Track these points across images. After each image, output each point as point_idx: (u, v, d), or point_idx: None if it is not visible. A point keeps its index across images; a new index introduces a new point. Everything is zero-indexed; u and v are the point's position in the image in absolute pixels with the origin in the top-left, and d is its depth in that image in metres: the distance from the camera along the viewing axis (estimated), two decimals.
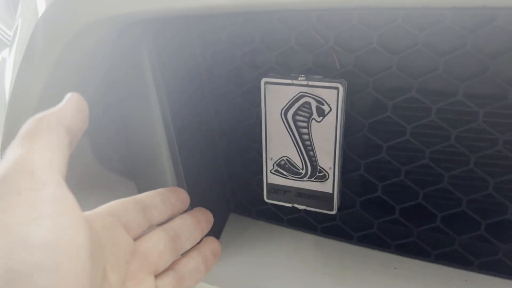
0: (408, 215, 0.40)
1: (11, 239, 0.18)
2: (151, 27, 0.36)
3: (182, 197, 0.35)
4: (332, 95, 0.35)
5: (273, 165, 0.40)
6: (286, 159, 0.39)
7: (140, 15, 0.33)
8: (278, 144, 0.39)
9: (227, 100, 0.44)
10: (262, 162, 0.40)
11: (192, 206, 0.42)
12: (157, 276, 0.30)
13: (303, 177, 0.39)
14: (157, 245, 0.30)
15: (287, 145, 0.39)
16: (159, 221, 0.32)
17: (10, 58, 0.45)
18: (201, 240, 0.35)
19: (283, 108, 0.37)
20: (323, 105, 0.35)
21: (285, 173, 0.40)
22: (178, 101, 0.39)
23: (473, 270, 0.39)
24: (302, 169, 0.39)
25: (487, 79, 0.32)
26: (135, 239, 0.29)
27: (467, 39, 0.32)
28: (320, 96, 0.35)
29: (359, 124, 0.38)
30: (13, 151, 0.21)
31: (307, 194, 0.40)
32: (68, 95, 0.25)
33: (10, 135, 0.43)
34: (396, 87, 0.36)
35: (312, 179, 0.39)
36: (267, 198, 0.42)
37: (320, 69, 0.38)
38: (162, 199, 0.32)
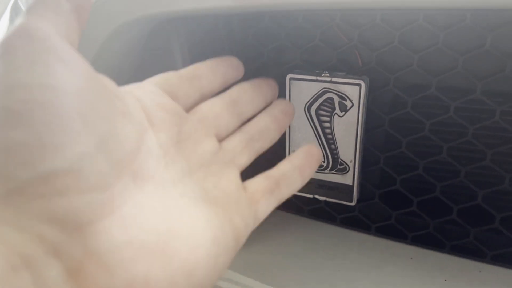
0: (425, 208, 0.41)
1: (9, 82, 0.17)
2: (182, 24, 0.38)
3: (233, 63, 0.31)
4: (355, 91, 0.36)
5: None
6: None
7: (173, 14, 0.35)
8: (300, 137, 0.41)
9: None
10: (284, 154, 0.42)
11: None
12: (221, 139, 0.28)
13: (324, 169, 0.41)
14: (211, 108, 0.28)
15: (310, 138, 0.40)
16: (211, 90, 0.29)
17: None
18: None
19: (307, 103, 0.39)
20: (346, 100, 0.37)
21: None
22: None
23: (486, 261, 0.40)
24: (324, 162, 0.41)
25: (505, 77, 0.34)
26: (187, 110, 0.27)
27: (486, 38, 0.33)
28: (343, 92, 0.37)
29: (380, 119, 0.39)
30: (20, 22, 0.18)
31: (328, 186, 0.42)
32: None
33: None
34: (416, 84, 0.37)
35: (333, 171, 0.41)
36: None
37: (343, 66, 0.39)
38: (210, 67, 0.30)
